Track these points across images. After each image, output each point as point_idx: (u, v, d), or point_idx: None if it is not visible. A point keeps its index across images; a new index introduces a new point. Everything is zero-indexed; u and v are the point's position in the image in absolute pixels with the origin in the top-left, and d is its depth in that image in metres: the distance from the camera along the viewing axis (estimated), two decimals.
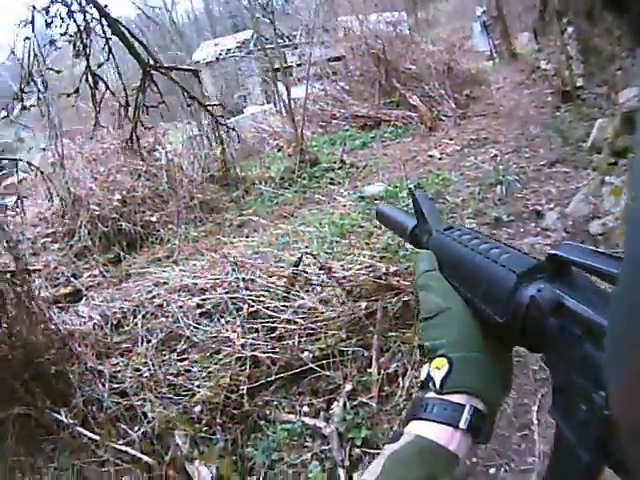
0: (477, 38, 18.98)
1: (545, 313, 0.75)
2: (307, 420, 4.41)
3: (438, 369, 0.90)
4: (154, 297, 6.22)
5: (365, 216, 7.77)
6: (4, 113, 6.45)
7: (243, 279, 5.66)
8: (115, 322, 6.05)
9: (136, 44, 6.42)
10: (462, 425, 0.86)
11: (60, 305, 6.46)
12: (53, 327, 5.68)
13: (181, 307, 5.82)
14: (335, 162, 11.18)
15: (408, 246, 6.22)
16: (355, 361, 4.68)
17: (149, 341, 5.57)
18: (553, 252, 0.77)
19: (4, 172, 11.39)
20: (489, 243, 0.95)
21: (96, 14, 6.18)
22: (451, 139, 11.06)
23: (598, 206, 5.94)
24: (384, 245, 6.43)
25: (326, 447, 4.20)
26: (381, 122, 13.36)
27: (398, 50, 14.95)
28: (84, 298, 6.88)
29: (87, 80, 6.36)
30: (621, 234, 5.15)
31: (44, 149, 13.95)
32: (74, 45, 6.24)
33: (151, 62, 6.56)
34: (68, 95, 6.64)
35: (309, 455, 4.20)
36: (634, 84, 7.01)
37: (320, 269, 5.57)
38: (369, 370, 4.60)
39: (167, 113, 9.82)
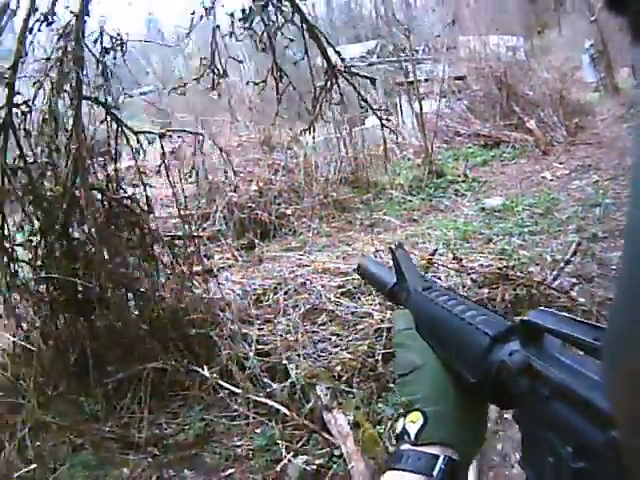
0: (585, 69, 19.25)
1: (514, 374, 0.79)
2: None
3: (413, 422, 0.95)
4: (297, 276, 6.69)
5: (485, 225, 8.65)
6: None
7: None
8: (255, 297, 6.50)
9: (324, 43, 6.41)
10: (435, 474, 0.88)
11: (204, 276, 6.53)
12: (199, 292, 6.18)
13: (323, 286, 6.32)
14: (459, 175, 11.84)
15: (522, 252, 7.21)
16: None
17: (290, 314, 6.02)
18: (526, 318, 0.78)
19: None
20: (465, 305, 0.99)
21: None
22: (561, 163, 11.99)
23: None
24: (501, 249, 7.33)
25: None
26: (500, 142, 14.03)
27: (517, 75, 15.48)
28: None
29: (273, 74, 6.45)
30: None
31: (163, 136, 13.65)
32: (260, 39, 6.27)
33: (339, 63, 6.62)
34: (256, 84, 6.93)
35: None
36: None
37: (453, 259, 6.51)
38: None
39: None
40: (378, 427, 4.70)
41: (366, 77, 7.13)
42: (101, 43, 5.69)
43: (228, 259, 8.49)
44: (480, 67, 15.90)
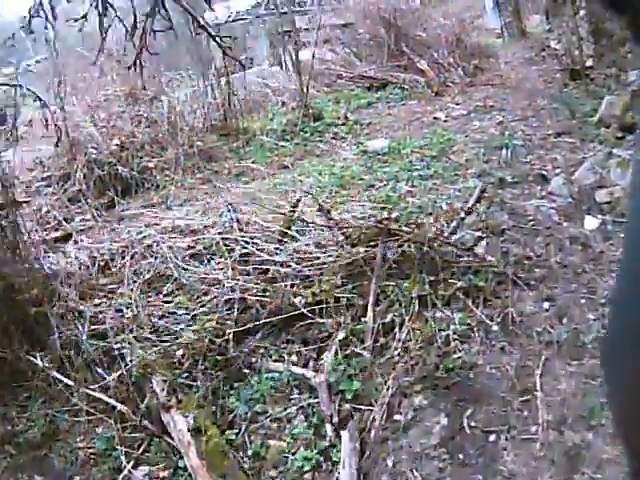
0: (489, 16, 18.53)
1: None
2: (295, 369, 4.24)
3: None
4: (144, 238, 6.13)
5: (367, 169, 7.66)
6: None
7: (237, 220, 5.51)
8: (102, 264, 5.97)
9: None
10: None
11: (46, 246, 6.42)
12: (37, 266, 5.64)
13: (171, 248, 5.73)
14: (339, 118, 11.01)
15: (410, 199, 6.23)
16: (349, 309, 4.48)
17: (135, 282, 5.47)
18: None
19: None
20: None
21: None
22: (457, 104, 10.85)
23: (604, 176, 5.85)
24: (384, 197, 6.28)
25: (314, 400, 4.01)
26: (387, 84, 13.10)
27: (409, 18, 14.77)
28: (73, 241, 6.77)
29: (96, 6, 5.98)
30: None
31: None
32: None
33: None
34: (76, 20, 6.36)
35: (295, 409, 4.04)
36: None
37: (319, 211, 5.39)
38: (364, 319, 4.39)
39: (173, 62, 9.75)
40: (228, 432, 4.05)
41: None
42: None
43: (88, 220, 8.21)
44: (368, 11, 15.24)
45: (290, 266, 4.86)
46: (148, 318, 5.00)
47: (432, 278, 4.44)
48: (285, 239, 5.26)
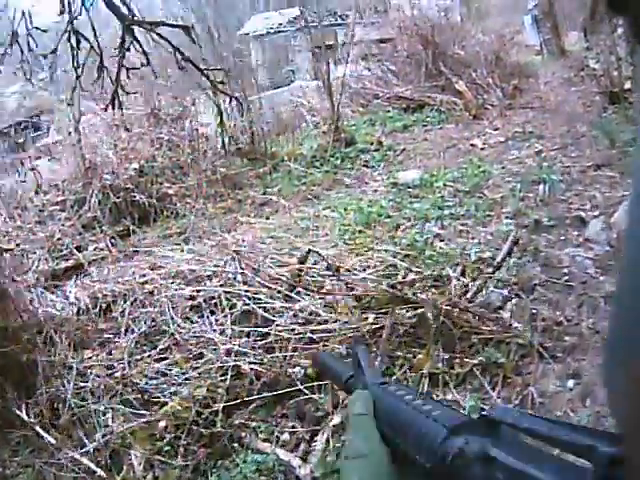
0: (528, 32, 18.21)
1: (470, 461, 0.78)
2: (282, 455, 3.82)
3: None
4: (146, 282, 5.88)
5: (396, 204, 7.22)
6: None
7: (242, 271, 5.10)
8: (105, 306, 5.74)
9: None
10: None
11: (45, 285, 6.25)
12: (31, 309, 5.50)
13: (172, 298, 5.42)
14: (372, 143, 10.47)
15: (438, 243, 5.87)
16: None
17: (133, 331, 5.27)
18: (485, 413, 0.77)
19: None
20: (422, 400, 0.97)
21: None
22: (495, 129, 10.33)
23: None
24: (411, 240, 5.87)
25: None
26: (424, 105, 12.59)
27: (448, 35, 14.26)
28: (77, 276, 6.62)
29: (69, 40, 5.94)
30: None
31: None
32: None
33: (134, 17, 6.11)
34: (45, 56, 6.37)
35: None
36: None
37: (327, 269, 4.95)
38: None
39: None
40: None
41: (174, 26, 6.93)
42: None
43: (102, 249, 7.92)
44: (405, 27, 14.73)
45: (293, 330, 4.44)
46: (137, 379, 4.75)
47: (447, 355, 3.98)
48: (292, 294, 4.81)
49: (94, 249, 7.98)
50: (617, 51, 9.47)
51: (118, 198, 9.05)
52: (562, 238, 5.62)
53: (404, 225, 6.47)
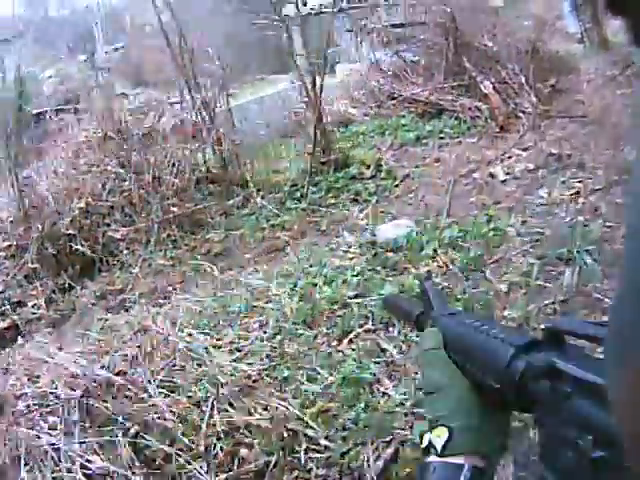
0: (567, 18, 16.07)
1: (538, 376, 0.84)
2: None
3: (439, 437, 1.00)
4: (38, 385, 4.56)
5: (362, 283, 5.33)
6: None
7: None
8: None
9: None
10: None
11: None
12: None
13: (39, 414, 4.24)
14: (369, 166, 8.50)
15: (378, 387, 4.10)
16: None
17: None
18: (549, 324, 0.87)
19: None
20: (489, 324, 1.04)
21: None
22: (524, 149, 8.31)
23: None
24: (347, 373, 3.98)
25: None
26: (443, 111, 10.58)
27: (473, 21, 11.92)
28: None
29: None
30: None
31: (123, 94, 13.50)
32: None
33: None
34: None
35: None
36: None
37: None
38: None
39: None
40: None
41: None
42: None
43: (40, 308, 7.09)
44: (426, 10, 12.62)
45: None
46: None
47: None
48: None
49: (33, 305, 7.20)
50: None
51: (56, 247, 7.92)
52: None
53: (357, 330, 4.57)
